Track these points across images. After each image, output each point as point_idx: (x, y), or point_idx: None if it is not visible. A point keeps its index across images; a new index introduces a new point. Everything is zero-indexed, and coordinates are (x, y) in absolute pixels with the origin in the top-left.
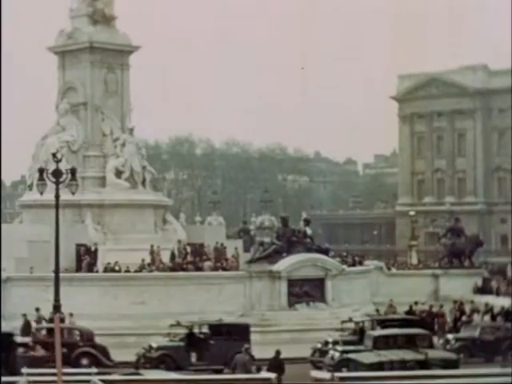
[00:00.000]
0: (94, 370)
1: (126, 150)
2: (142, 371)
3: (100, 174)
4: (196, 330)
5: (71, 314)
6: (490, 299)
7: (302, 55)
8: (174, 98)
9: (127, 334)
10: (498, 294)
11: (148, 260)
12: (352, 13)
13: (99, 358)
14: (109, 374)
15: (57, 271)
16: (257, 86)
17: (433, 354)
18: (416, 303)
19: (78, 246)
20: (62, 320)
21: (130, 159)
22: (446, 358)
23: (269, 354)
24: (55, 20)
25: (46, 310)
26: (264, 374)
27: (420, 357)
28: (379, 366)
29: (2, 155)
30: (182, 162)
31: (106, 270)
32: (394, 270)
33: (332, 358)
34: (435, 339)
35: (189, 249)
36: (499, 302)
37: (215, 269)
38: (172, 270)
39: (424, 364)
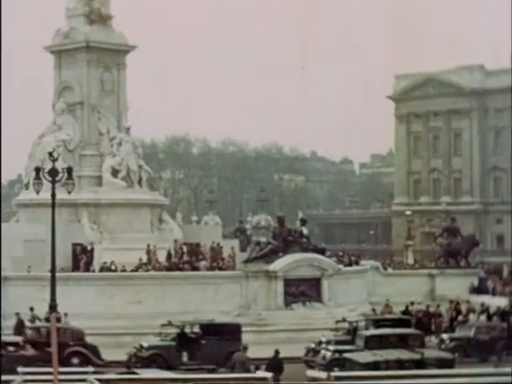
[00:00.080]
0: (91, 369)
1: (123, 149)
2: (137, 370)
3: (96, 173)
4: (187, 330)
5: (65, 314)
6: (486, 299)
7: (299, 55)
8: (170, 97)
9: (123, 333)
10: (493, 293)
11: (145, 259)
12: (349, 13)
13: (90, 358)
14: (101, 373)
15: (53, 270)
16: (253, 85)
17: (428, 353)
18: (412, 303)
19: (75, 245)
20: (59, 319)
21: (127, 158)
22: (441, 357)
23: (265, 353)
24: (52, 19)
25: (43, 310)
26: (260, 374)
27: (416, 356)
28: (375, 365)
29: None
30: (178, 161)
31: (102, 269)
32: (390, 270)
33: (324, 357)
34: (433, 339)
35: (185, 248)
36: (495, 302)
37: (211, 268)
38: (168, 269)
39: (420, 363)
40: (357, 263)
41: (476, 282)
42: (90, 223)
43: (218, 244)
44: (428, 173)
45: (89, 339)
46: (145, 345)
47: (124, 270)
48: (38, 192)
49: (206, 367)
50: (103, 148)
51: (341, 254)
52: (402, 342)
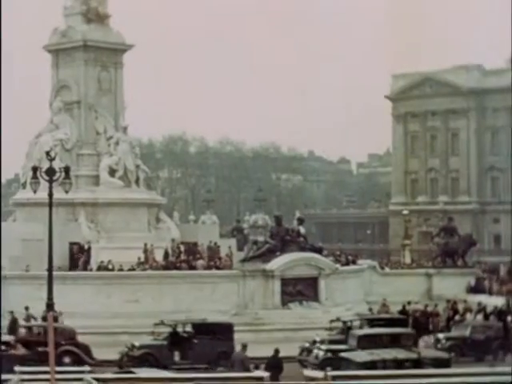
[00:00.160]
0: (87, 368)
1: (120, 149)
2: (134, 369)
3: (94, 172)
4: (180, 329)
5: (60, 313)
6: (483, 298)
7: (296, 55)
8: (167, 96)
9: (120, 332)
10: (490, 293)
11: (143, 258)
12: (347, 12)
13: (81, 357)
14: (92, 372)
15: (50, 269)
16: (251, 84)
17: (425, 353)
18: (409, 303)
19: (72, 244)
20: (56, 318)
21: (124, 158)
22: (438, 357)
23: (262, 352)
24: (49, 18)
25: (40, 309)
26: (257, 373)
27: (412, 356)
28: (372, 364)
29: None
30: (175, 160)
31: (99, 268)
32: (387, 270)
33: (316, 356)
34: (425, 338)
35: (182, 247)
36: (492, 302)
37: (208, 267)
38: (165, 268)
39: (416, 363)
40: (354, 262)
41: (473, 282)
42: (87, 222)
43: (216, 243)
44: (425, 172)
45: (86, 338)
46: (136, 344)
47: (121, 269)
48: (35, 191)
49: (197, 366)
50: (100, 147)
51: (338, 253)
52: (394, 341)
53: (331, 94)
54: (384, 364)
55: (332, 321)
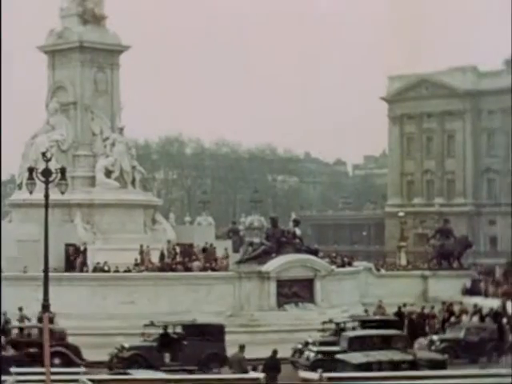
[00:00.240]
0: (83, 369)
1: (116, 150)
2: (130, 371)
3: (90, 173)
4: (170, 331)
5: (54, 314)
6: (479, 300)
7: (292, 56)
8: (163, 97)
9: (116, 333)
10: (486, 295)
11: (139, 260)
12: (344, 14)
13: (71, 358)
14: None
15: (46, 270)
16: (247, 86)
17: (421, 354)
18: (404, 305)
19: (68, 245)
20: (51, 320)
21: (120, 159)
22: (433, 358)
23: (258, 354)
24: (46, 19)
25: (36, 310)
26: (253, 374)
27: (408, 357)
28: (367, 366)
29: None
30: (171, 161)
31: (95, 269)
32: (383, 271)
33: (307, 358)
34: (421, 340)
35: (178, 249)
36: (488, 304)
37: (204, 269)
38: (161, 270)
39: (412, 365)
40: (350, 264)
41: (469, 284)
42: (83, 223)
43: (211, 245)
44: (421, 174)
45: (81, 339)
46: (126, 345)
47: (117, 271)
48: (31, 192)
49: (187, 368)
50: (96, 148)
51: (334, 255)
52: (386, 343)
53: (327, 96)
54: (379, 366)
55: (324, 322)
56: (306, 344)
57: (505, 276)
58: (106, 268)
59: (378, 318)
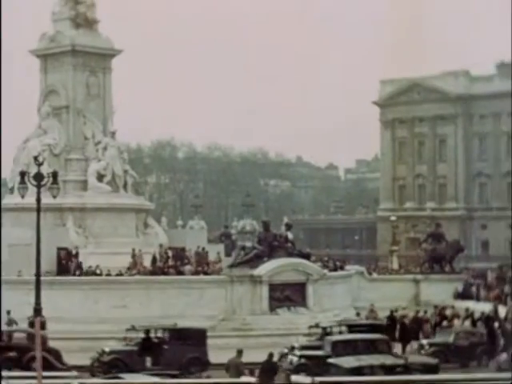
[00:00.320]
0: (74, 373)
1: (108, 154)
2: (122, 375)
3: (82, 177)
4: (152, 335)
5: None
6: (471, 304)
7: (285, 61)
8: (155, 101)
9: (108, 337)
10: (478, 299)
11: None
12: (338, 17)
13: (51, 362)
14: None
15: (38, 274)
16: (239, 90)
17: (413, 358)
18: (396, 310)
19: (59, 249)
20: (43, 324)
21: (112, 163)
22: (426, 362)
23: (250, 358)
24: (38, 23)
25: (28, 314)
26: (245, 379)
27: (400, 362)
28: (359, 370)
29: None
30: (163, 165)
31: (87, 273)
32: (375, 275)
33: (291, 362)
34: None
35: (170, 253)
36: (479, 308)
37: (196, 273)
38: (153, 273)
39: (404, 369)
40: (342, 268)
41: (460, 288)
42: (75, 227)
43: (204, 248)
44: (413, 178)
45: (73, 343)
46: (106, 349)
47: (109, 275)
48: (23, 196)
49: (169, 372)
50: (88, 152)
51: (326, 259)
52: (369, 347)
53: (319, 100)
54: (371, 370)
55: (311, 326)
56: (292, 348)
57: (497, 280)
58: (98, 272)
59: (363, 322)
